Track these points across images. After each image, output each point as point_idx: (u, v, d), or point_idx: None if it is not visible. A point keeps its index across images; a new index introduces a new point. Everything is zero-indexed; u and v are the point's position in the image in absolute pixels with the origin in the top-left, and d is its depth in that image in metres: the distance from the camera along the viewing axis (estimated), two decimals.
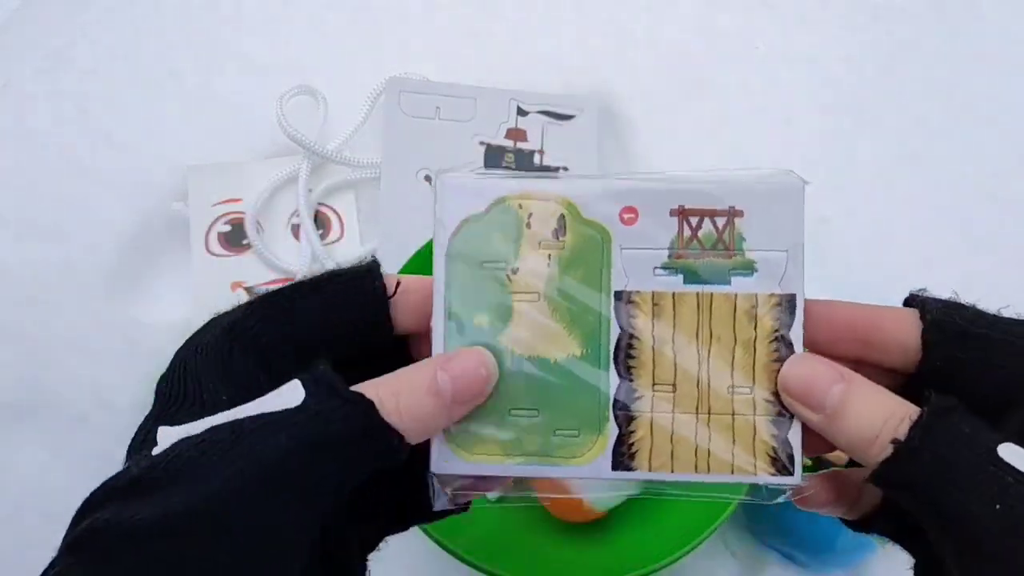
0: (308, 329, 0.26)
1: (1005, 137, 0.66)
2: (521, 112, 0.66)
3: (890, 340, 0.27)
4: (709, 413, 0.29)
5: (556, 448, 0.29)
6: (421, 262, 0.51)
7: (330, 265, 0.61)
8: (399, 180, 0.63)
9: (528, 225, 0.29)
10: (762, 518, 0.53)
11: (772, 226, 0.29)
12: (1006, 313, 0.27)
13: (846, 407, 0.25)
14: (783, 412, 0.28)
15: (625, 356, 0.29)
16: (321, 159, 0.63)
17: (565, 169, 0.64)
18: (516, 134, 0.65)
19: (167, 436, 0.23)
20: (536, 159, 0.64)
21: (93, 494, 0.24)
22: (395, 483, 0.27)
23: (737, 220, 0.29)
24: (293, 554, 0.23)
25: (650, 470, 0.29)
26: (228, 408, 0.23)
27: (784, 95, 0.68)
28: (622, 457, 0.29)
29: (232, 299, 0.60)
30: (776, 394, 0.28)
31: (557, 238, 0.29)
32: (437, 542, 0.45)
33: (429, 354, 0.26)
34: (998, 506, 0.22)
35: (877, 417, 0.24)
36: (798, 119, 0.67)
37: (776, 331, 0.29)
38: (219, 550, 0.21)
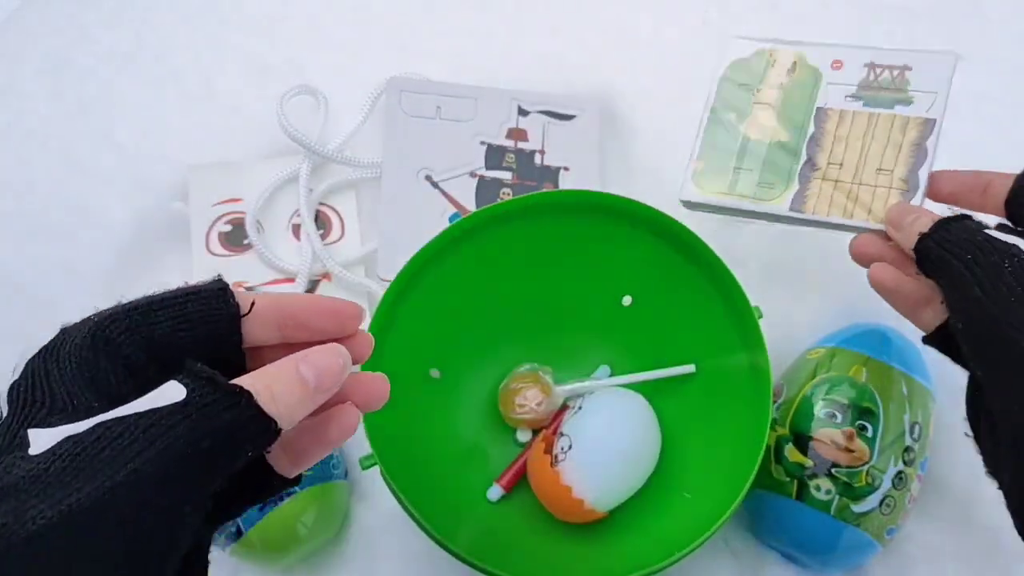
0: (168, 342, 0.28)
1: (1006, 137, 0.66)
2: (522, 112, 0.66)
3: (996, 192, 0.44)
4: (860, 184, 0.49)
5: (760, 192, 0.50)
6: (422, 261, 0.51)
7: (331, 265, 0.61)
8: (400, 180, 0.63)
9: (772, 65, 0.53)
10: (763, 518, 0.53)
11: (930, 77, 0.49)
12: None
13: (906, 222, 0.43)
14: (908, 190, 0.47)
15: (814, 143, 0.51)
16: (322, 159, 0.63)
17: (566, 169, 0.64)
18: (517, 134, 0.65)
19: (41, 437, 0.24)
20: (537, 159, 0.64)
21: None
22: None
23: (907, 72, 0.50)
24: (188, 539, 0.25)
25: (814, 212, 0.49)
26: (100, 413, 0.25)
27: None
28: (797, 203, 0.50)
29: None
30: (905, 180, 0.48)
31: (789, 76, 0.53)
32: (437, 542, 0.45)
33: (266, 362, 0.29)
34: (972, 260, 0.37)
35: (914, 225, 0.42)
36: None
37: (916, 142, 0.49)
38: (123, 540, 0.23)
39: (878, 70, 0.51)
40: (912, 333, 0.56)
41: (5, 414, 0.26)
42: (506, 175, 0.64)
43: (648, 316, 0.57)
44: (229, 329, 0.29)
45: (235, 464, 0.26)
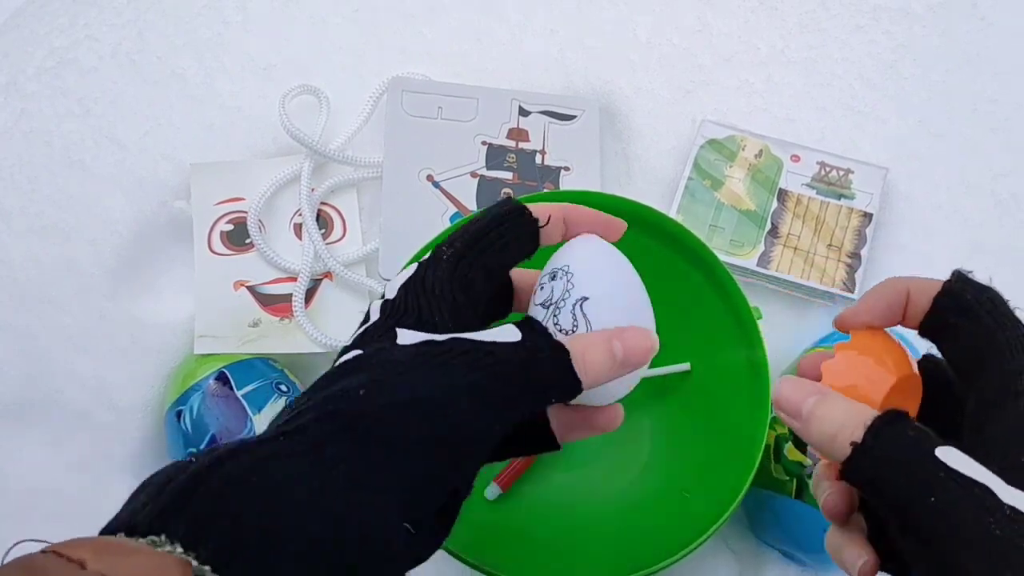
0: (498, 263, 0.34)
1: (1006, 137, 0.66)
2: (523, 112, 0.66)
3: (911, 298, 0.33)
4: (815, 254, 0.61)
5: (732, 248, 0.61)
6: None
7: (332, 264, 0.61)
8: (401, 179, 0.63)
9: (743, 148, 0.65)
10: (763, 517, 0.53)
11: (867, 181, 0.63)
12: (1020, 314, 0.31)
13: (814, 415, 0.31)
14: (852, 265, 0.61)
15: (777, 215, 0.62)
16: (323, 158, 0.63)
17: (567, 169, 0.64)
18: (518, 134, 0.65)
19: (407, 335, 0.30)
20: (538, 159, 0.65)
21: (332, 369, 0.30)
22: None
23: (850, 175, 0.64)
24: (485, 456, 0.29)
25: (776, 269, 0.60)
26: (454, 333, 0.30)
27: (784, 96, 0.68)
28: (763, 261, 0.61)
29: (234, 298, 0.60)
30: (851, 255, 0.61)
31: (756, 159, 0.64)
32: None
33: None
34: (932, 499, 0.27)
35: (838, 423, 0.30)
36: (798, 120, 0.67)
37: (858, 229, 0.62)
38: (448, 431, 0.27)
39: (827, 168, 0.64)
40: (908, 332, 0.56)
41: (374, 319, 0.32)
42: (507, 175, 0.64)
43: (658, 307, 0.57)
44: (534, 239, 0.34)
45: (539, 405, 0.31)
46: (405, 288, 0.32)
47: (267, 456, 0.25)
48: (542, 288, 0.35)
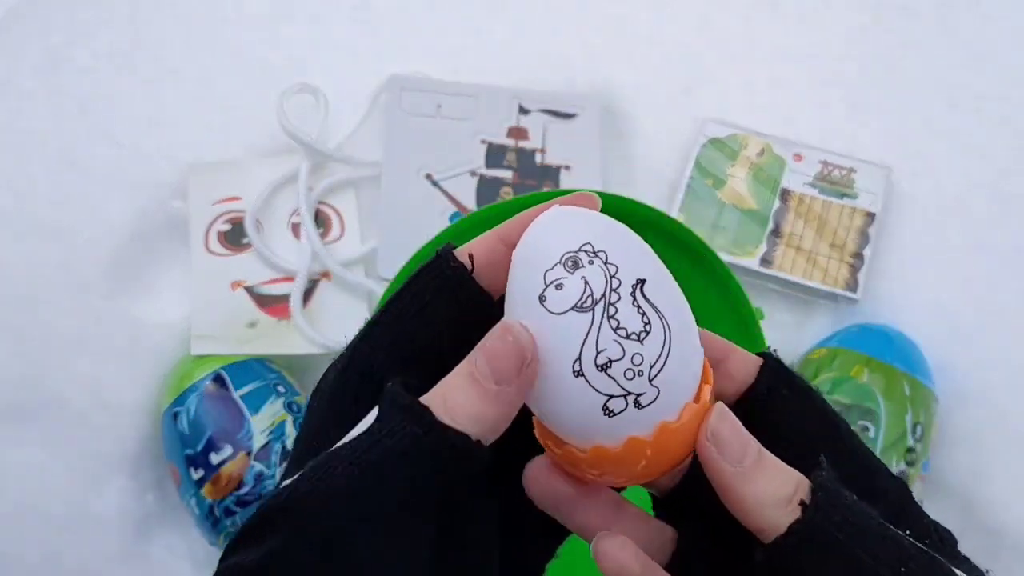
0: (412, 335, 0.26)
1: (1011, 135, 0.66)
2: (523, 110, 0.65)
3: (733, 367, 0.28)
4: (817, 254, 0.61)
5: (734, 248, 0.61)
6: (421, 260, 0.51)
7: (330, 264, 0.60)
8: (400, 178, 0.62)
9: (745, 147, 0.64)
10: None
11: (870, 181, 0.63)
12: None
13: (763, 463, 0.24)
14: (855, 265, 0.60)
15: (779, 215, 0.62)
16: (321, 157, 0.63)
17: (567, 168, 0.64)
18: (518, 132, 0.65)
19: (285, 477, 0.25)
20: (538, 158, 0.64)
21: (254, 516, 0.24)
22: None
23: (853, 174, 0.63)
24: (392, 560, 0.23)
25: (779, 269, 0.60)
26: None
27: (785, 94, 0.68)
28: (765, 262, 0.60)
29: (231, 299, 0.60)
30: (853, 256, 0.61)
31: (758, 158, 0.64)
32: None
33: None
34: (903, 569, 0.22)
35: (789, 477, 0.24)
36: (801, 118, 0.67)
37: (861, 229, 0.61)
38: (324, 570, 0.22)
39: (830, 168, 0.63)
40: (913, 333, 0.56)
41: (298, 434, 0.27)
42: (507, 174, 0.64)
43: None
44: (464, 290, 0.26)
45: (433, 488, 0.23)
46: (311, 399, 0.27)
47: None
48: (559, 287, 0.24)
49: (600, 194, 0.54)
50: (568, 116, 0.65)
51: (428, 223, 0.61)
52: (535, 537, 0.29)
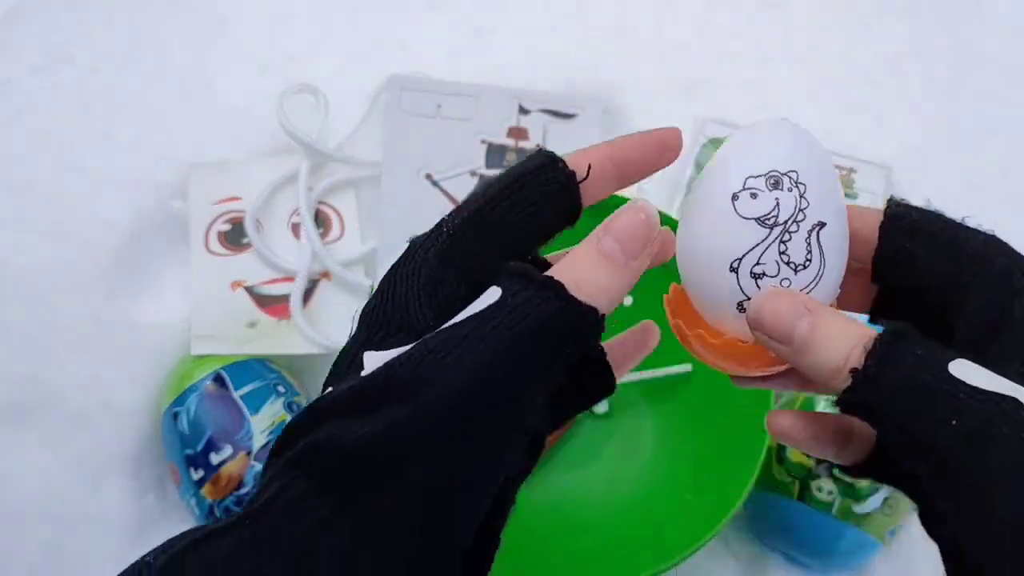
0: (517, 236, 0.27)
1: (1012, 135, 0.66)
2: (523, 111, 0.65)
3: (854, 232, 0.28)
4: None
5: None
6: None
7: (330, 264, 0.60)
8: (400, 178, 0.63)
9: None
10: (765, 519, 0.53)
11: (870, 180, 0.63)
12: (970, 223, 0.28)
13: (811, 339, 0.25)
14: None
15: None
16: (321, 157, 0.63)
17: None
18: (518, 133, 0.65)
19: (374, 360, 0.24)
20: None
21: (302, 415, 0.24)
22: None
23: (853, 174, 0.63)
24: (511, 450, 0.24)
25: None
26: (436, 329, 0.24)
27: (785, 94, 0.68)
28: None
29: (231, 299, 0.60)
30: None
31: None
32: None
33: None
34: (954, 421, 0.23)
35: (840, 348, 0.25)
36: (800, 118, 0.66)
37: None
38: (446, 456, 0.22)
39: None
40: None
41: (353, 334, 0.27)
42: None
43: (649, 316, 0.57)
44: (570, 200, 0.28)
45: (559, 361, 0.24)
46: (386, 282, 0.27)
47: (230, 553, 0.21)
48: (754, 196, 0.27)
49: None
50: (568, 116, 0.65)
51: (428, 223, 0.61)
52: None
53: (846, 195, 0.62)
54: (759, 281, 0.27)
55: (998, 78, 0.67)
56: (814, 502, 0.49)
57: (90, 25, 0.70)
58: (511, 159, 0.64)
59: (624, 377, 0.55)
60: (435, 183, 0.63)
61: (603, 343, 0.29)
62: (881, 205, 0.29)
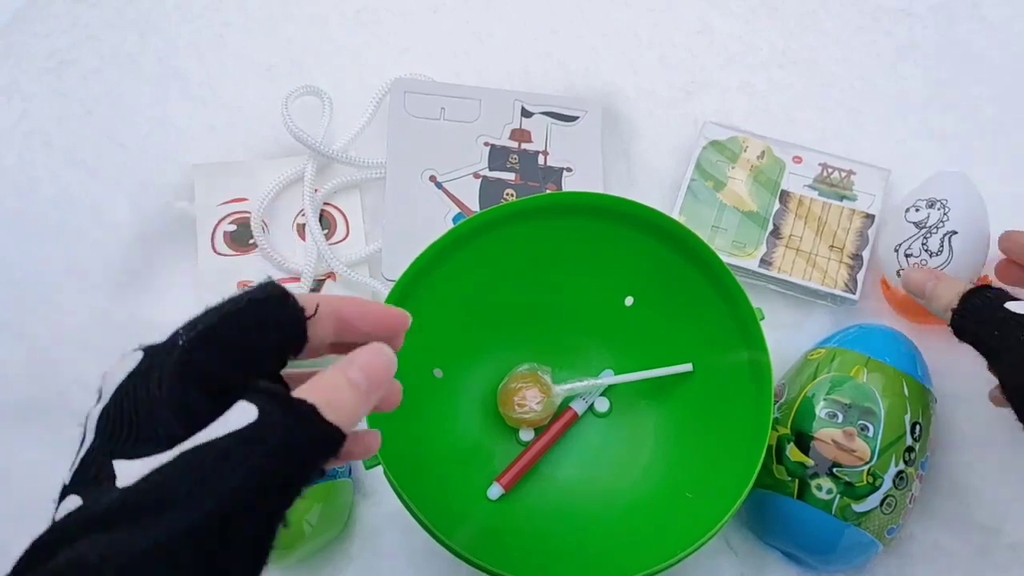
0: (250, 357, 0.29)
1: (1010, 138, 0.66)
2: (525, 113, 0.66)
3: (1006, 250, 0.52)
4: (817, 255, 0.61)
5: (734, 249, 0.61)
6: (425, 262, 0.51)
7: (335, 265, 0.61)
8: (404, 180, 0.63)
9: (745, 149, 0.65)
10: (765, 518, 0.53)
11: (869, 183, 0.63)
12: None
13: (934, 293, 0.48)
14: (854, 266, 0.60)
15: (779, 217, 0.63)
16: (326, 159, 0.64)
17: (569, 170, 0.65)
18: (520, 135, 0.65)
19: (129, 469, 0.26)
20: (540, 160, 0.65)
21: (54, 527, 0.25)
22: None
23: (852, 176, 0.64)
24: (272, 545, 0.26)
25: (779, 271, 0.61)
26: (183, 441, 0.26)
27: (786, 97, 0.68)
28: (765, 263, 0.61)
29: None
30: (852, 257, 0.61)
31: (758, 160, 0.64)
32: (438, 540, 0.45)
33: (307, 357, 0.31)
34: (996, 332, 0.43)
35: (947, 297, 0.46)
36: (800, 121, 0.67)
37: (860, 230, 0.62)
38: (212, 566, 0.24)
39: (829, 170, 0.64)
40: (913, 334, 0.56)
41: (91, 440, 0.28)
42: (509, 176, 0.64)
43: (650, 317, 0.57)
44: (296, 333, 0.30)
45: (311, 477, 0.27)
46: (122, 390, 0.28)
47: None
48: (918, 209, 0.52)
49: (602, 195, 0.55)
50: (570, 119, 0.66)
51: (432, 225, 0.61)
52: None
53: (844, 196, 0.63)
54: (908, 259, 0.53)
55: (996, 81, 0.68)
56: (813, 501, 0.50)
57: (95, 28, 0.71)
58: (514, 161, 0.64)
59: (625, 377, 0.56)
60: (439, 185, 0.63)
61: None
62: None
